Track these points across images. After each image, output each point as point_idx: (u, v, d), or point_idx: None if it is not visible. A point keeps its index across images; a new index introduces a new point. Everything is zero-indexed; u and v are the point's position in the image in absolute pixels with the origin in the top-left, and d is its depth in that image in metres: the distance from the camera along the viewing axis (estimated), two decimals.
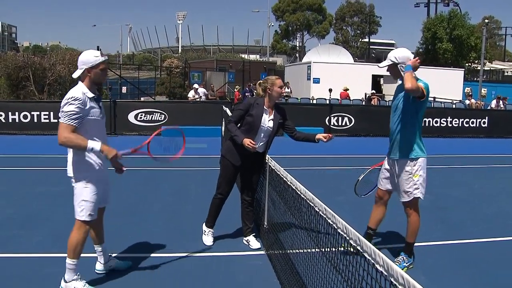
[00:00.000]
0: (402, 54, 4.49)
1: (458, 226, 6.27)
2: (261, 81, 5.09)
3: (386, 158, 4.76)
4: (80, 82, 3.85)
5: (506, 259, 5.08)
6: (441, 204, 7.38)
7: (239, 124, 4.94)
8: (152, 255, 4.84)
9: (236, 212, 5.47)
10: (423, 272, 4.61)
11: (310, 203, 2.97)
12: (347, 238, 2.29)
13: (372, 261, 2.10)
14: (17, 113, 14.69)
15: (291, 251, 4.10)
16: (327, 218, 2.59)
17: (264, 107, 4.89)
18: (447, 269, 4.75)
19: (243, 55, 76.84)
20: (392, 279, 1.86)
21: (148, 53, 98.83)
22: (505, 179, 9.91)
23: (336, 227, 2.45)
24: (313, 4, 59.04)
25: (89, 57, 3.83)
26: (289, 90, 22.94)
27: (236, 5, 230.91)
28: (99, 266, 4.28)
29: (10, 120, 14.66)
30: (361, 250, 2.13)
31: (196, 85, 20.09)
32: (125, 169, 3.90)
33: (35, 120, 14.71)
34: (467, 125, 17.77)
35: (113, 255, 4.53)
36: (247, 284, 4.25)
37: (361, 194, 5.17)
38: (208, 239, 5.18)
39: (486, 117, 18.06)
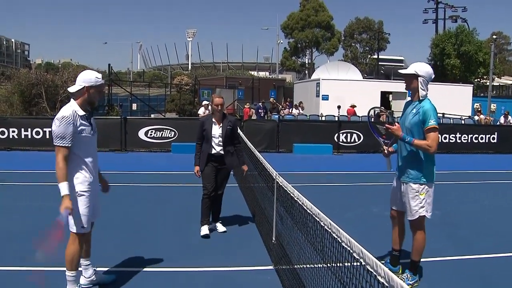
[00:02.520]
0: (425, 69, 4.54)
1: (466, 242, 6.28)
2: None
3: (395, 178, 4.80)
4: (72, 100, 3.97)
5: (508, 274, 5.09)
6: (450, 220, 7.39)
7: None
8: (161, 268, 4.91)
9: (244, 229, 5.54)
10: (429, 287, 4.63)
11: (316, 217, 3.04)
12: (351, 251, 2.36)
13: (374, 273, 2.16)
14: (29, 129, 14.95)
15: (298, 266, 4.15)
16: (331, 233, 2.66)
17: (213, 119, 6.21)
18: (452, 285, 4.76)
19: (252, 72, 77.26)
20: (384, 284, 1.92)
21: (158, 70, 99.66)
22: None
23: (340, 241, 2.52)
24: (321, 22, 59.38)
25: (91, 76, 3.99)
26: (300, 110, 22.96)
27: (245, 22, 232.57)
28: (83, 281, 4.30)
29: (23, 136, 14.91)
30: (363, 263, 2.20)
31: (206, 102, 20.22)
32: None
33: (47, 137, 14.91)
34: (476, 141, 17.76)
35: (124, 269, 4.61)
36: None
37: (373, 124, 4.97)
38: (204, 229, 6.08)
39: (496, 133, 18.04)
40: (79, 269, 4.19)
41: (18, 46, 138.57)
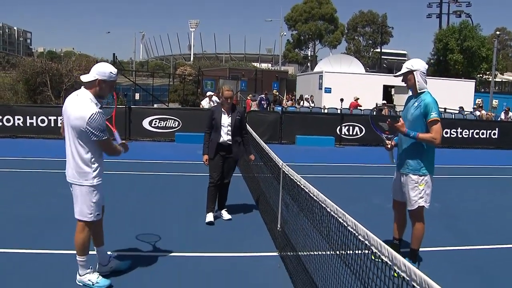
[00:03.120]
0: (418, 62, 4.72)
1: (464, 234, 6.44)
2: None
3: (396, 171, 4.96)
4: (85, 90, 4.01)
5: (508, 266, 5.25)
6: (450, 212, 7.55)
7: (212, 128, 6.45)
8: (169, 255, 5.08)
9: (249, 217, 5.69)
10: (429, 275, 4.79)
11: (323, 204, 3.20)
12: (356, 234, 2.52)
13: (379, 253, 2.31)
14: (34, 117, 15.09)
15: (302, 252, 4.32)
16: (338, 217, 2.82)
17: (222, 109, 6.40)
18: (449, 274, 4.92)
19: (254, 64, 77.21)
20: (395, 268, 2.08)
21: (161, 60, 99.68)
22: None
23: (346, 225, 2.68)
24: (325, 14, 59.31)
25: (106, 70, 3.99)
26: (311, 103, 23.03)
27: (248, 14, 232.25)
28: (100, 268, 4.41)
29: (28, 124, 15.06)
30: (368, 244, 2.35)
31: (210, 93, 20.30)
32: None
33: (52, 125, 15.08)
34: (477, 136, 17.90)
35: (129, 253, 4.78)
36: (261, 283, 4.47)
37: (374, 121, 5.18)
38: (209, 216, 6.27)
39: (496, 129, 18.17)
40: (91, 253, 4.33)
41: (21, 34, 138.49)
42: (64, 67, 20.84)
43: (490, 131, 18.06)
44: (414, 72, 4.64)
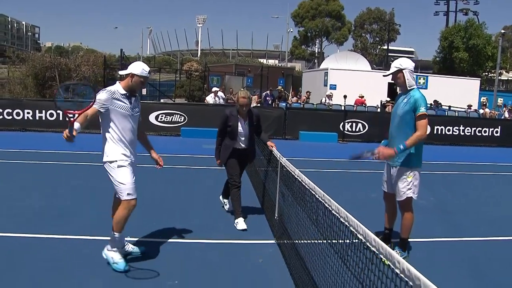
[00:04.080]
0: (406, 61, 4.98)
1: (458, 227, 6.66)
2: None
3: (386, 163, 5.22)
4: (118, 83, 4.55)
5: (497, 257, 5.48)
6: (447, 208, 7.76)
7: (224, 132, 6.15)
8: (174, 241, 5.37)
9: (251, 208, 5.96)
10: (418, 264, 5.02)
11: (312, 191, 3.46)
12: (339, 217, 2.77)
13: (364, 240, 2.52)
14: (43, 111, 15.46)
15: (297, 241, 4.57)
16: (324, 202, 3.08)
17: (239, 116, 6.06)
18: (441, 263, 5.15)
19: (262, 60, 77.40)
20: (374, 249, 2.32)
21: (168, 55, 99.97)
22: None
23: (330, 209, 2.93)
24: (332, 11, 59.45)
25: (139, 66, 4.50)
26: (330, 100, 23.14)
27: (255, 10, 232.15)
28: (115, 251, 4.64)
29: (37, 118, 15.43)
30: (353, 230, 2.58)
31: (215, 88, 20.56)
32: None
33: (60, 118, 15.39)
34: (480, 134, 18.04)
35: (135, 239, 5.07)
36: (258, 268, 4.75)
37: (353, 157, 5.43)
38: (241, 222, 5.96)
39: (499, 127, 18.30)
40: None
41: (29, 29, 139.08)
42: (72, 62, 21.19)
43: (492, 129, 18.19)
44: (404, 71, 4.89)
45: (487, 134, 18.10)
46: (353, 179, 10.08)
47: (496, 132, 18.16)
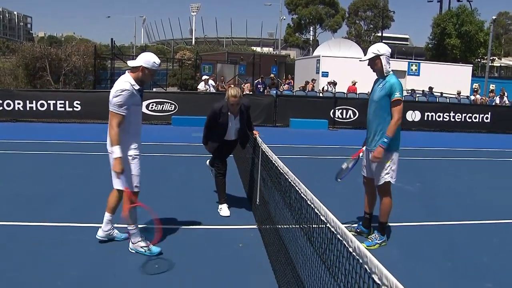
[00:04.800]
0: (383, 46, 5.04)
1: (439, 211, 6.76)
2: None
3: (365, 147, 5.29)
4: (128, 73, 4.51)
5: (473, 239, 5.61)
6: (429, 192, 7.87)
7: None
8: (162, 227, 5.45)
9: (236, 194, 6.05)
10: (397, 247, 5.15)
11: (286, 175, 3.53)
12: (306, 199, 2.84)
13: (325, 220, 2.61)
14: (34, 101, 15.45)
15: (274, 225, 4.65)
16: (295, 186, 3.15)
17: (229, 113, 5.87)
18: (420, 247, 5.26)
19: (256, 48, 77.13)
20: (333, 230, 2.40)
21: (162, 44, 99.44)
22: (500, 173, 10.35)
23: (300, 192, 3.00)
24: None
25: (150, 59, 4.45)
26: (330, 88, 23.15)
27: None
28: (100, 233, 4.85)
29: (28, 108, 15.41)
30: (315, 209, 2.66)
31: (205, 77, 20.58)
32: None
33: (51, 109, 15.44)
34: (470, 120, 18.14)
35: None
36: (238, 251, 4.86)
37: (338, 178, 5.55)
38: (224, 209, 6.06)
39: (489, 113, 18.40)
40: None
41: (21, 19, 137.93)
42: (63, 52, 21.08)
43: (482, 115, 18.28)
44: (381, 57, 4.95)
45: (477, 120, 18.20)
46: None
47: (487, 118, 18.26)
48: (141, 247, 4.60)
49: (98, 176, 7.51)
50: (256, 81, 23.80)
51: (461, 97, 24.15)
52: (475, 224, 6.23)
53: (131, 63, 4.50)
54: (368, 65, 5.10)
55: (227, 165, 6.25)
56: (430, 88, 24.44)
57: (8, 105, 15.31)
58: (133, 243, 4.63)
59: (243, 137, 6.18)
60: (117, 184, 4.54)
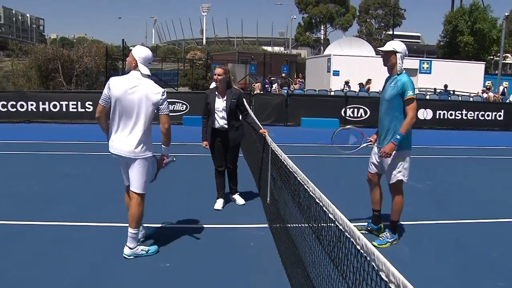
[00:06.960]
0: (401, 45, 5.02)
1: (451, 210, 6.71)
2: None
3: (376, 145, 5.26)
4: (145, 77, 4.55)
5: (485, 238, 5.56)
6: (441, 190, 7.83)
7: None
8: (170, 226, 5.51)
9: (248, 194, 6.13)
10: (408, 245, 5.13)
11: (295, 174, 3.53)
12: (315, 197, 2.84)
13: (333, 218, 2.60)
14: (47, 102, 15.61)
15: (286, 224, 4.65)
16: (303, 184, 3.15)
17: (216, 93, 6.08)
18: (431, 243, 5.24)
19: (267, 47, 77.09)
20: (341, 228, 2.40)
21: (173, 45, 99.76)
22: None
23: (309, 190, 3.00)
24: None
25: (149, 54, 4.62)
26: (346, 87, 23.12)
27: None
28: (127, 251, 4.60)
29: (41, 109, 15.58)
30: (323, 207, 2.67)
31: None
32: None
33: (64, 110, 15.59)
34: (483, 118, 17.97)
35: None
36: (250, 249, 4.89)
37: (335, 142, 5.66)
38: (218, 203, 6.27)
39: (502, 111, 18.20)
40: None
41: (33, 21, 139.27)
42: (74, 53, 21.29)
43: (496, 113, 18.11)
44: (397, 54, 4.92)
45: (490, 118, 18.02)
46: (352, 164, 10.11)
47: (500, 116, 18.07)
48: (142, 249, 4.56)
49: (107, 176, 7.57)
50: (263, 81, 23.92)
51: (473, 95, 23.91)
52: (487, 222, 6.18)
53: (148, 72, 4.55)
54: (382, 57, 5.05)
55: (225, 164, 6.32)
56: (445, 86, 24.26)
57: (22, 106, 15.47)
58: (130, 248, 4.48)
59: (232, 128, 6.13)
60: (139, 187, 4.44)
